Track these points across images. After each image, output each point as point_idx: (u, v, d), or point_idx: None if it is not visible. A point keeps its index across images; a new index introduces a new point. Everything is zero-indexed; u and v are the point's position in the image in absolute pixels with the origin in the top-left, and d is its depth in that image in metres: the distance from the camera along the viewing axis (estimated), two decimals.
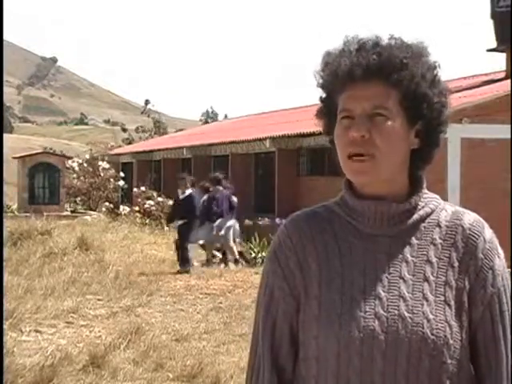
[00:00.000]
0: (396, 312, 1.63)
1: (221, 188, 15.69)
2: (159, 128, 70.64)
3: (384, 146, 1.65)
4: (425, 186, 1.76)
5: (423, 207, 1.73)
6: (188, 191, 14.48)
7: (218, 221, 15.43)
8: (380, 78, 1.66)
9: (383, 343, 1.61)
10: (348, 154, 1.66)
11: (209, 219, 15.18)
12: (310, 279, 1.71)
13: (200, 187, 15.45)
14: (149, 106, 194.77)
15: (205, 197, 15.51)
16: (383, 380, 1.61)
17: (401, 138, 1.68)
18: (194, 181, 15.58)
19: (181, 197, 14.65)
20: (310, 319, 1.68)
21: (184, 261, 13.78)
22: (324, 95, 1.75)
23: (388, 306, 1.63)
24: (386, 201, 1.70)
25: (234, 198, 15.99)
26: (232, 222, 15.69)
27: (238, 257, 15.69)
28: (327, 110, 1.75)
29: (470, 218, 1.73)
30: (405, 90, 1.67)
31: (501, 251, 1.73)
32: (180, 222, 14.13)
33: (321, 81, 1.74)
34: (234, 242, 15.93)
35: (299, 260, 1.73)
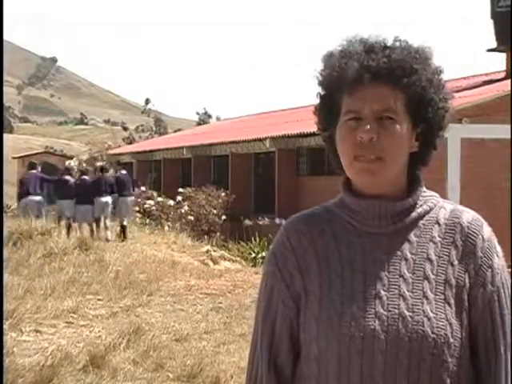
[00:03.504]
0: (396, 311, 1.62)
1: (34, 171, 17.92)
2: (159, 127, 70.52)
3: (392, 149, 1.65)
4: (423, 184, 1.77)
5: (422, 205, 1.73)
6: None
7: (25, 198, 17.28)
8: (389, 82, 1.66)
9: (384, 342, 1.61)
10: (354, 155, 1.66)
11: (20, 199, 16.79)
12: (310, 281, 1.71)
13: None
14: (149, 106, 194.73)
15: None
16: (384, 379, 1.61)
17: (406, 142, 1.69)
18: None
19: None
20: (310, 320, 1.68)
21: None
22: (324, 92, 1.74)
23: (388, 304, 1.63)
24: (385, 199, 1.70)
25: (47, 176, 18.42)
26: (37, 199, 17.44)
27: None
28: (327, 107, 1.74)
29: (468, 216, 1.74)
30: (412, 94, 1.67)
31: (499, 250, 1.73)
32: None
33: (322, 79, 1.73)
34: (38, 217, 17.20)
35: (298, 262, 1.73)
